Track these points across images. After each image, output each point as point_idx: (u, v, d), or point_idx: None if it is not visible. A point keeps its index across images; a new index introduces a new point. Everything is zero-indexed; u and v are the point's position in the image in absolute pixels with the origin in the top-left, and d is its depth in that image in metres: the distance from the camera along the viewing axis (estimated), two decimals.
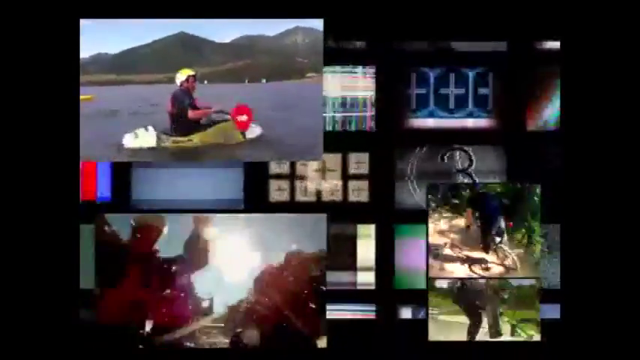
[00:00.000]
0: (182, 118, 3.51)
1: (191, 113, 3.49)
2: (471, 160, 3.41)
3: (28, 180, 2.89)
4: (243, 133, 3.56)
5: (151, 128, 3.45)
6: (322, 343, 3.14)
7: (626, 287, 2.88)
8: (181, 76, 3.53)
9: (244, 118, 3.52)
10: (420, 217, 3.30)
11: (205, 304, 3.17)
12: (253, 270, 3.18)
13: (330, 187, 3.45)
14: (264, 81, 5.06)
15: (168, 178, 3.43)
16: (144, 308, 3.12)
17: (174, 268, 3.13)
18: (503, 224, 3.21)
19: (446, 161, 3.40)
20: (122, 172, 3.39)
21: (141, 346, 3.10)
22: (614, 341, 2.87)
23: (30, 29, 2.90)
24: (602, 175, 2.94)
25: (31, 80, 2.90)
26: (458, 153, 3.42)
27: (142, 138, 3.43)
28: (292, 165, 3.45)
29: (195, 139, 3.46)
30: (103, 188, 3.37)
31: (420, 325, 3.23)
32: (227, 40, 4.36)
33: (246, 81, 4.77)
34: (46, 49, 2.92)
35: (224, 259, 3.19)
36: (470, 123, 3.45)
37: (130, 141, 3.44)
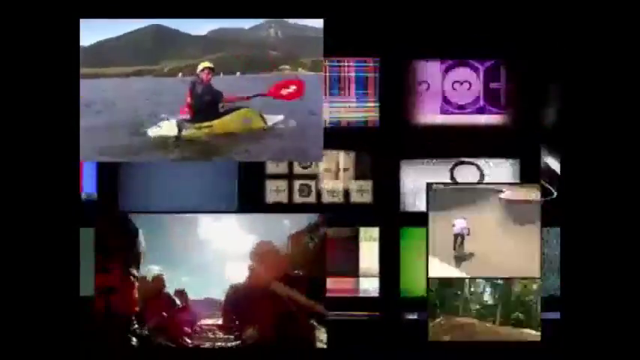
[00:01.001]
0: (203, 107, 3.61)
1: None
2: (482, 176, 3.30)
3: (26, 183, 2.85)
4: (263, 119, 3.67)
5: (172, 120, 3.54)
6: (322, 343, 3.04)
7: (625, 288, 2.86)
8: (200, 67, 3.62)
9: (293, 88, 3.64)
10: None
11: (202, 304, 3.08)
12: (248, 269, 3.07)
13: (331, 187, 3.33)
14: (238, 74, 5.00)
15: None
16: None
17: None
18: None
19: (455, 176, 3.29)
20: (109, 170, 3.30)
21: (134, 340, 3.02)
22: (613, 342, 2.84)
23: (27, 29, 2.89)
24: (602, 177, 2.89)
25: (28, 81, 2.88)
26: (467, 168, 3.31)
27: (165, 128, 3.52)
28: (290, 164, 3.33)
29: (216, 124, 3.58)
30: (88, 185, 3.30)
31: (420, 326, 3.14)
32: (202, 33, 4.30)
33: (221, 74, 4.71)
34: (44, 48, 2.90)
35: (220, 258, 3.08)
36: (481, 120, 3.33)
37: (153, 132, 3.52)
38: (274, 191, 3.30)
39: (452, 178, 3.29)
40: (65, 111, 2.88)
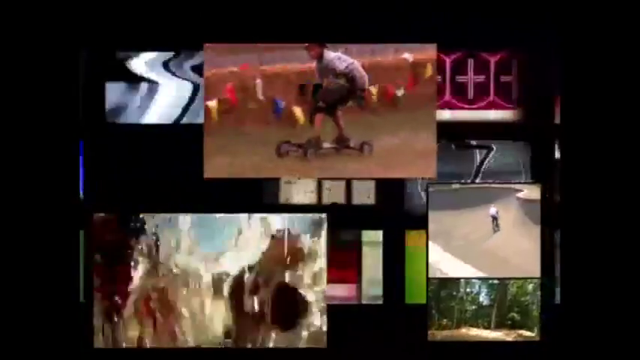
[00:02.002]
0: None
1: None
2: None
3: (25, 185, 2.92)
4: None
5: None
6: (322, 342, 3.05)
7: (625, 288, 2.92)
8: None
9: None
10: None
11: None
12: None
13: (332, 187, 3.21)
14: None
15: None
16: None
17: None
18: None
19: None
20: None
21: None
22: (613, 342, 2.91)
23: (28, 29, 2.94)
24: (602, 178, 2.94)
25: (28, 83, 2.94)
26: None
27: None
28: None
29: None
30: None
31: (420, 326, 3.14)
32: None
33: None
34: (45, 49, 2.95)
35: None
36: (491, 115, 3.22)
37: None
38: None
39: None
40: (66, 112, 2.91)
